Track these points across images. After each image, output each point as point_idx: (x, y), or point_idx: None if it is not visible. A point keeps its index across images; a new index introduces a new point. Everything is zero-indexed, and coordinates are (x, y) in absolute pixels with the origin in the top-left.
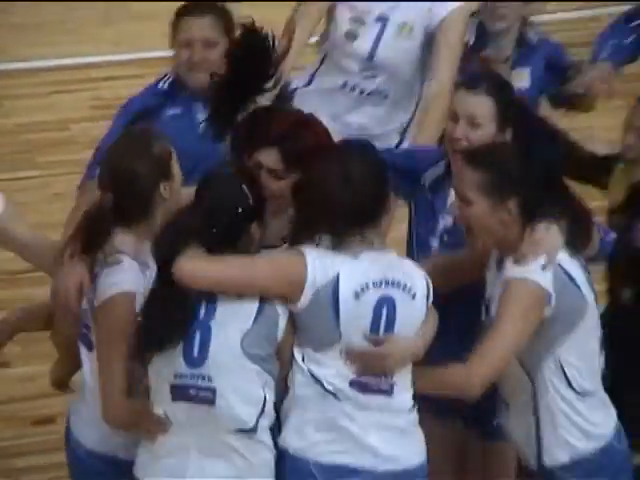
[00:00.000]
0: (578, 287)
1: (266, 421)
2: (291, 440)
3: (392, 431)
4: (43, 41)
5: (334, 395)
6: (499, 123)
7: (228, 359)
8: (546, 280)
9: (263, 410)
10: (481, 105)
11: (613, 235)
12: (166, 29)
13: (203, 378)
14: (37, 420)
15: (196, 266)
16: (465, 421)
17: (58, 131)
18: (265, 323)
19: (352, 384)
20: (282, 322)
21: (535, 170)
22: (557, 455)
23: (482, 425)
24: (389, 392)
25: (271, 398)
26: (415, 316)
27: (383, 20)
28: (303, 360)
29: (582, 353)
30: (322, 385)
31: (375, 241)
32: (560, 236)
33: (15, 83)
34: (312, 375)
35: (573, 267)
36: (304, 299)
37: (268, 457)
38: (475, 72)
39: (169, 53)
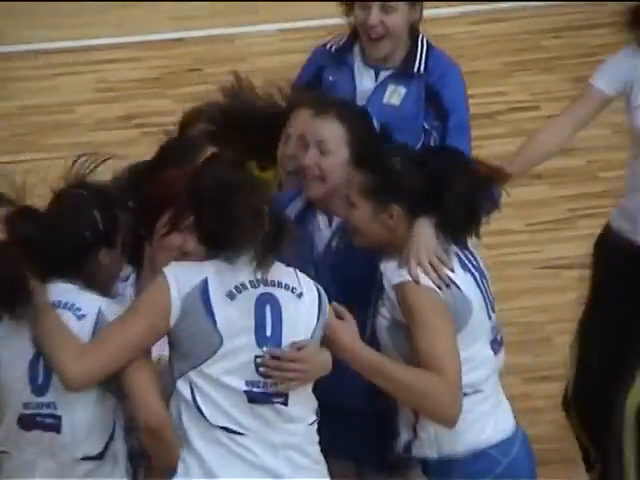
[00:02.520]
0: (459, 288)
1: (117, 444)
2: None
3: (292, 449)
4: (45, 24)
5: (226, 429)
6: (352, 148)
7: None
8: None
9: (112, 436)
10: (330, 130)
11: None
12: (169, 12)
13: (48, 406)
14: None
15: (85, 367)
16: (357, 460)
17: (62, 113)
18: None
19: (247, 393)
20: None
21: (423, 178)
22: (425, 449)
23: (376, 462)
24: (284, 402)
25: (120, 421)
26: (304, 318)
27: None
28: (192, 393)
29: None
30: (209, 422)
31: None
32: (432, 237)
33: (18, 65)
34: (199, 409)
35: (454, 276)
36: (174, 312)
37: None
38: (325, 97)
39: (172, 36)
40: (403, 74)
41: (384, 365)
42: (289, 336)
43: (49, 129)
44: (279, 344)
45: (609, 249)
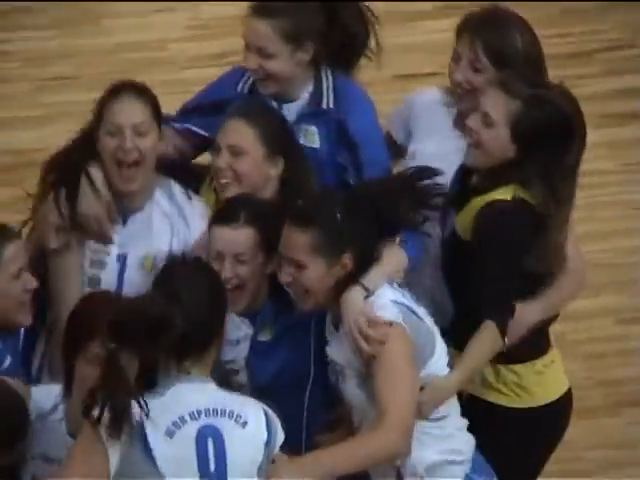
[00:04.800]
0: (420, 318)
1: None
2: None
3: None
4: None
5: None
6: (265, 252)
7: None
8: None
9: None
10: (243, 239)
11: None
12: None
13: None
14: None
15: None
16: None
17: (156, 51)
18: None
19: None
20: None
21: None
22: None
23: None
24: None
25: None
26: (249, 448)
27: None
28: None
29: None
30: None
31: (193, 372)
32: (358, 299)
33: (114, 2)
34: None
35: (407, 301)
36: (113, 459)
37: None
38: (231, 202)
39: None
40: (312, 113)
41: (332, 460)
42: (234, 470)
43: (142, 66)
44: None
45: None
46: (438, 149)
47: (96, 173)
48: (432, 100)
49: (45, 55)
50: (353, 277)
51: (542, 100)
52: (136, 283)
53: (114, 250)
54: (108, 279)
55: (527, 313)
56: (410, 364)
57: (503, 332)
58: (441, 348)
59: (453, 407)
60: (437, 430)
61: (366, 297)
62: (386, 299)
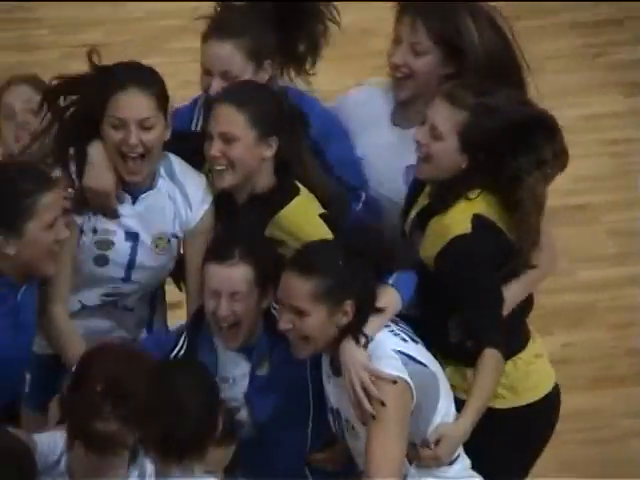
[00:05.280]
0: (423, 364)
1: None
2: None
3: None
4: None
5: None
6: (261, 287)
7: None
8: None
9: None
10: (239, 277)
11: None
12: None
13: None
14: None
15: None
16: None
17: (186, 18)
18: None
19: None
20: None
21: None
22: None
23: None
24: None
25: None
26: None
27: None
28: None
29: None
30: None
31: (195, 469)
32: (359, 351)
33: None
34: None
35: (408, 347)
36: None
37: None
38: (224, 239)
39: None
40: None
41: None
42: None
43: (172, 33)
44: None
45: None
46: (373, 144)
47: (101, 149)
48: (366, 96)
49: (75, 22)
50: (354, 324)
51: (489, 108)
52: (148, 263)
53: (120, 230)
54: (118, 258)
55: (507, 296)
56: (404, 423)
57: (504, 352)
58: (445, 387)
59: (461, 451)
60: (442, 473)
61: (365, 344)
62: (387, 349)
